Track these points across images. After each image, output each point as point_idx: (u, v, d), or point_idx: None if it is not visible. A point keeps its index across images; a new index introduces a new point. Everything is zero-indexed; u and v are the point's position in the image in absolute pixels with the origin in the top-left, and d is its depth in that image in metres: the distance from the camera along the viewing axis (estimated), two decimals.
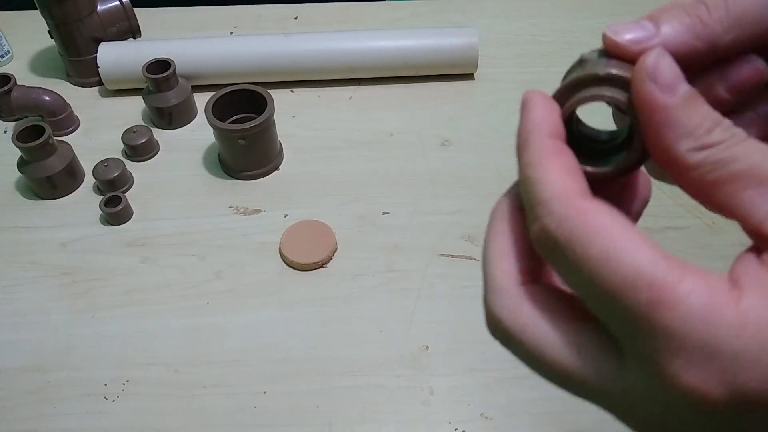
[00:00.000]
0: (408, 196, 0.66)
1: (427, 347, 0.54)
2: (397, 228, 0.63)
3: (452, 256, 0.60)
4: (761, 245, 0.19)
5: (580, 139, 0.24)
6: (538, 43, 0.84)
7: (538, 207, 0.20)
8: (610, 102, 0.21)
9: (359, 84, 0.78)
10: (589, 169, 0.22)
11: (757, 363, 0.17)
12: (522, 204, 0.22)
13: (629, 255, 0.18)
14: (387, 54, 0.75)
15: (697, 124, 0.19)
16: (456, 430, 0.49)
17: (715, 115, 0.19)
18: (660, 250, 0.18)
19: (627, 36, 0.21)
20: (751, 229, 0.19)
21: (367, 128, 0.73)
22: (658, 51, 0.20)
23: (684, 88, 0.20)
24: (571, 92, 0.23)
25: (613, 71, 0.21)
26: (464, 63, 0.76)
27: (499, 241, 0.22)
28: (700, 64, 0.22)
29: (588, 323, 0.20)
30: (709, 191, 0.19)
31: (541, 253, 0.21)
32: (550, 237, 0.19)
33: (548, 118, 0.21)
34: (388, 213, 0.64)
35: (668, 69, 0.20)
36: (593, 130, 0.25)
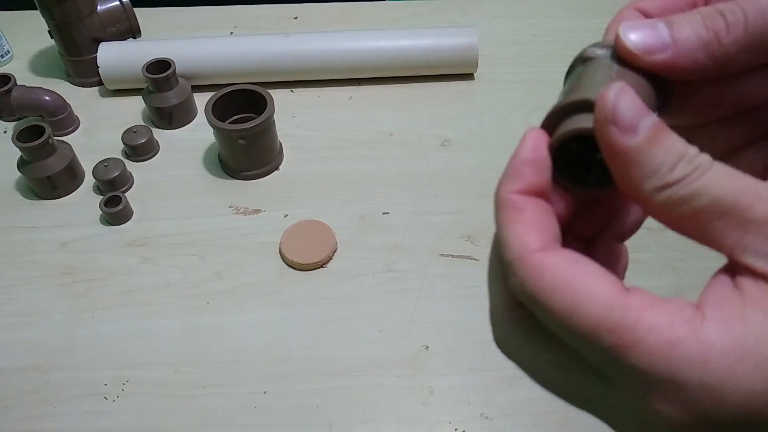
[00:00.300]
0: (408, 196, 0.66)
1: (427, 347, 0.54)
2: (397, 228, 0.63)
3: (452, 256, 0.60)
4: (737, 268, 0.19)
5: (577, 154, 0.24)
6: (538, 43, 0.84)
7: (506, 268, 0.21)
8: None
9: (359, 84, 0.78)
10: (571, 186, 0.23)
11: (721, 391, 0.17)
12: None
13: (588, 306, 0.19)
14: (387, 54, 0.75)
15: (660, 163, 0.19)
16: (456, 430, 0.49)
17: (679, 147, 0.19)
18: (619, 292, 0.19)
19: (640, 42, 0.21)
20: (726, 256, 0.20)
21: (367, 128, 0.73)
22: (617, 89, 0.20)
23: (645, 125, 0.20)
24: (562, 117, 0.22)
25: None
26: (464, 63, 0.76)
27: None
28: (703, 75, 0.22)
29: None
30: (679, 225, 0.20)
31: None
32: (520, 294, 0.21)
33: (520, 169, 0.22)
34: (388, 213, 0.64)
35: (628, 109, 0.20)
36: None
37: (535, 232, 0.21)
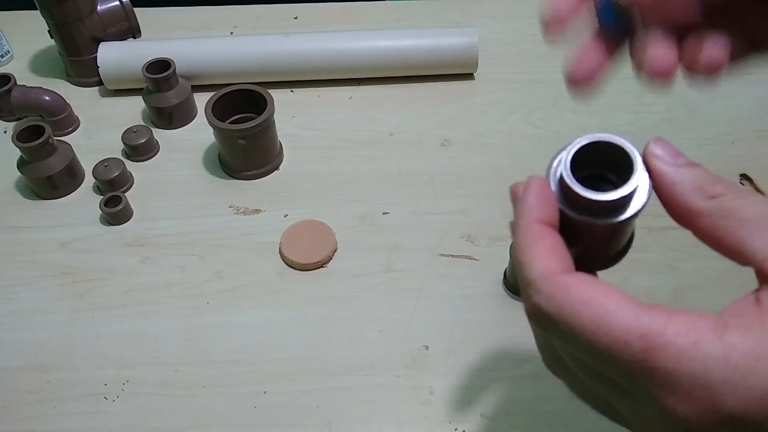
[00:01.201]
0: (408, 196, 0.66)
1: (427, 347, 0.54)
2: (397, 228, 0.63)
3: (452, 256, 0.60)
4: (763, 283, 0.21)
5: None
6: (538, 43, 0.83)
7: (528, 287, 0.23)
8: None
9: (359, 84, 0.78)
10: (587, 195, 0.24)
11: (743, 387, 0.19)
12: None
13: (616, 316, 0.20)
14: (387, 54, 0.75)
15: (702, 180, 0.23)
16: (456, 430, 0.49)
17: (713, 174, 0.23)
18: (641, 305, 0.21)
19: None
20: (756, 268, 0.22)
21: (367, 128, 0.73)
22: (655, 139, 0.24)
23: (681, 159, 0.24)
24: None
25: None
26: (464, 63, 0.76)
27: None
28: None
29: None
30: (720, 235, 0.22)
31: (536, 327, 0.24)
32: (542, 312, 0.22)
33: (539, 204, 0.24)
34: (388, 213, 0.64)
35: (666, 145, 0.24)
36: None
37: (556, 257, 0.23)
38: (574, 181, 0.24)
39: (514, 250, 0.25)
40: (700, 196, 0.23)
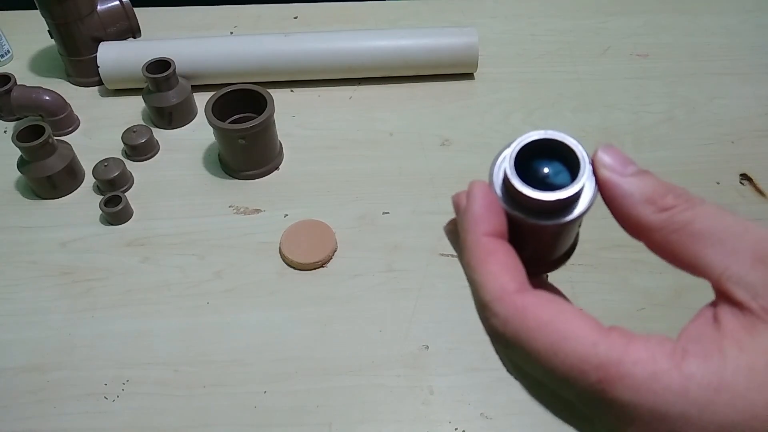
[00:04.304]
0: (408, 196, 0.66)
1: (427, 347, 0.54)
2: (397, 228, 0.63)
3: (452, 256, 0.60)
4: (719, 299, 0.21)
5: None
6: (538, 43, 0.84)
7: (484, 309, 0.22)
8: None
9: (359, 84, 0.78)
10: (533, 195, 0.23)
11: (700, 422, 0.18)
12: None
13: (573, 343, 0.20)
14: (387, 54, 0.75)
15: (653, 192, 0.22)
16: (456, 430, 0.49)
17: (665, 183, 0.22)
18: (600, 329, 0.20)
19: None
20: (712, 283, 0.21)
21: (367, 128, 0.73)
22: (603, 146, 0.23)
23: (631, 167, 0.23)
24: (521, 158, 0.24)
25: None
26: (464, 63, 0.76)
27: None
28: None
29: None
30: (673, 249, 0.22)
31: (497, 347, 0.23)
32: (500, 335, 0.21)
33: (485, 214, 0.23)
34: (388, 213, 0.64)
35: (616, 154, 0.23)
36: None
37: (509, 273, 0.22)
38: (519, 180, 0.22)
39: (464, 268, 0.23)
40: (651, 210, 0.22)
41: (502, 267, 0.22)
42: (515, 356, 0.22)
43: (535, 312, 0.21)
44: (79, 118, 0.75)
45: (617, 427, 0.19)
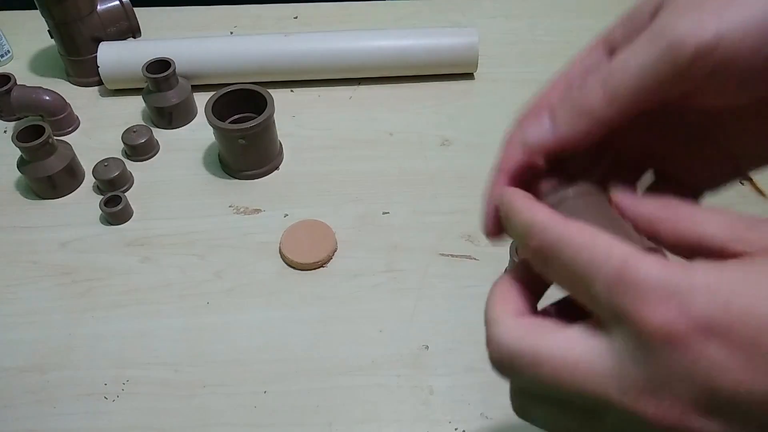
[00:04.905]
0: (408, 196, 0.66)
1: (427, 347, 0.54)
2: (397, 228, 0.63)
3: (452, 255, 0.60)
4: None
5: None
6: (538, 43, 0.84)
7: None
8: None
9: (359, 84, 0.78)
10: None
11: (708, 292, 0.19)
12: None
13: (597, 240, 0.22)
14: (387, 54, 0.75)
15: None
16: (456, 430, 0.49)
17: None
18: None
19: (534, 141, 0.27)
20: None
21: (367, 128, 0.73)
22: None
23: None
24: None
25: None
26: (464, 63, 0.76)
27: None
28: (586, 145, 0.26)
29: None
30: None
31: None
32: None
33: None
34: (388, 213, 0.64)
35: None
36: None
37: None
38: None
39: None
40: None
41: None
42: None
43: (567, 223, 0.23)
44: (79, 118, 0.75)
45: (631, 308, 0.20)
